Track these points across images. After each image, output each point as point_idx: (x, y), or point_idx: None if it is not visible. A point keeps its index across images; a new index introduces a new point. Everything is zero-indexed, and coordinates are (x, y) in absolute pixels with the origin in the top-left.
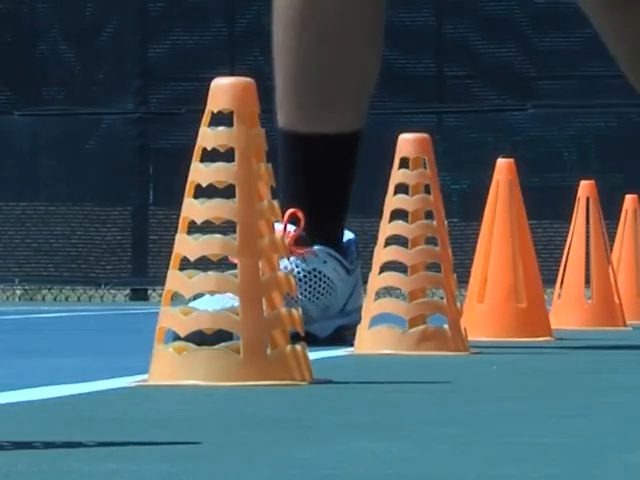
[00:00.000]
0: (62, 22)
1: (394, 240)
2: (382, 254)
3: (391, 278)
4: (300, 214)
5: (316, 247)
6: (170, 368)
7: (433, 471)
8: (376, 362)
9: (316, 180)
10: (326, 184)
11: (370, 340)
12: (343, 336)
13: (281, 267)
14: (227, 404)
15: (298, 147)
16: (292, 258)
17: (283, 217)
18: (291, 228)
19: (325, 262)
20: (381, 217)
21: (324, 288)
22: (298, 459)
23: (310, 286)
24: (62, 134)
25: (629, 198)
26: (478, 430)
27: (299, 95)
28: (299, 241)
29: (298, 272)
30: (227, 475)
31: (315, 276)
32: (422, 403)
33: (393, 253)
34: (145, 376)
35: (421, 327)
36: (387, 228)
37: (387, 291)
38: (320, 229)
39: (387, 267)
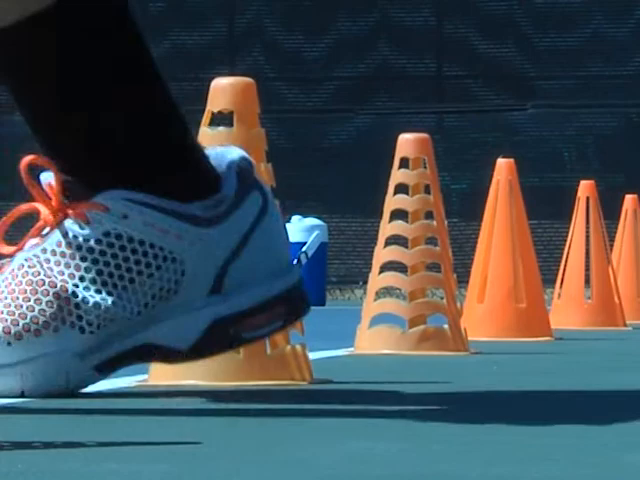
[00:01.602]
0: None
1: (394, 240)
2: (382, 254)
3: (391, 278)
4: None
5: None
6: (170, 368)
7: (433, 471)
8: (376, 362)
9: None
10: None
11: (370, 340)
12: None
13: None
14: (227, 404)
15: None
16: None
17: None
18: None
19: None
20: (381, 217)
21: None
22: (298, 459)
23: None
24: None
25: (629, 198)
26: (478, 430)
27: None
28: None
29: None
30: (227, 475)
31: None
32: (422, 403)
33: (393, 253)
34: (145, 376)
35: (421, 327)
36: (387, 228)
37: (387, 291)
38: None
39: (387, 267)
